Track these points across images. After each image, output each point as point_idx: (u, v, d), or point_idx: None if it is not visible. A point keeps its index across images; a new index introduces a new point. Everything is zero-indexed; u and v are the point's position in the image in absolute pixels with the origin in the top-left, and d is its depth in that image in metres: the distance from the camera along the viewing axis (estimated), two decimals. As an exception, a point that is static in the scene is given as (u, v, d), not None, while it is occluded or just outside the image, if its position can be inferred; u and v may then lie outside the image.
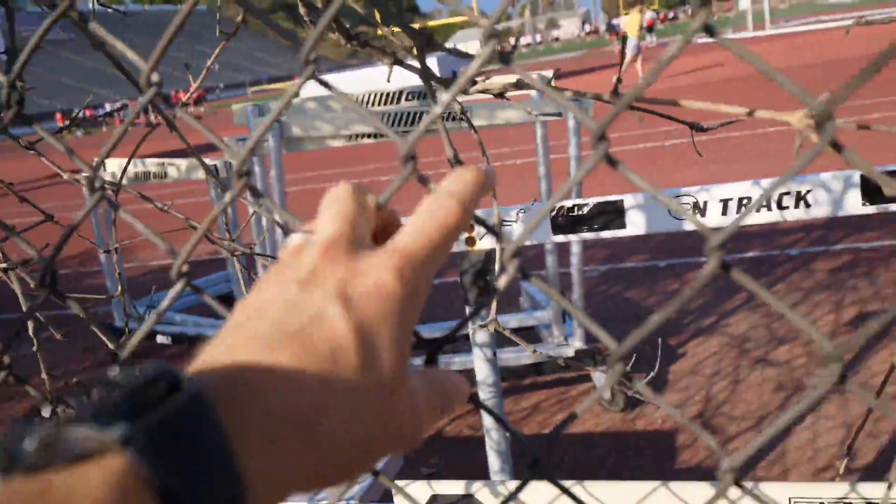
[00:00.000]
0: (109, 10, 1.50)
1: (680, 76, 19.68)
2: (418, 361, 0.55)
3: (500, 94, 1.18)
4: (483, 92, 1.16)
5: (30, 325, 1.04)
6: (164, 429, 0.30)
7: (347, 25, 1.00)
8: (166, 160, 4.23)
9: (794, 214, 1.79)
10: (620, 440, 3.22)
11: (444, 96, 0.61)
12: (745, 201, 1.84)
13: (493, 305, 1.58)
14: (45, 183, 13.90)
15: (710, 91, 15.17)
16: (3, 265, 1.09)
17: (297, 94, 0.52)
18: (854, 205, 1.74)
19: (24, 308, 1.04)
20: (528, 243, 2.01)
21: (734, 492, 0.81)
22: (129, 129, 0.61)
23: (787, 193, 1.79)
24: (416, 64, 1.03)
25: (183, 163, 4.11)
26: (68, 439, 0.28)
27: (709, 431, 3.14)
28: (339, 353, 0.37)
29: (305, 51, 0.49)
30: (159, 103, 0.59)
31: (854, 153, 0.42)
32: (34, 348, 1.13)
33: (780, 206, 1.76)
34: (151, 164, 4.43)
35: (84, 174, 0.72)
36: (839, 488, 0.85)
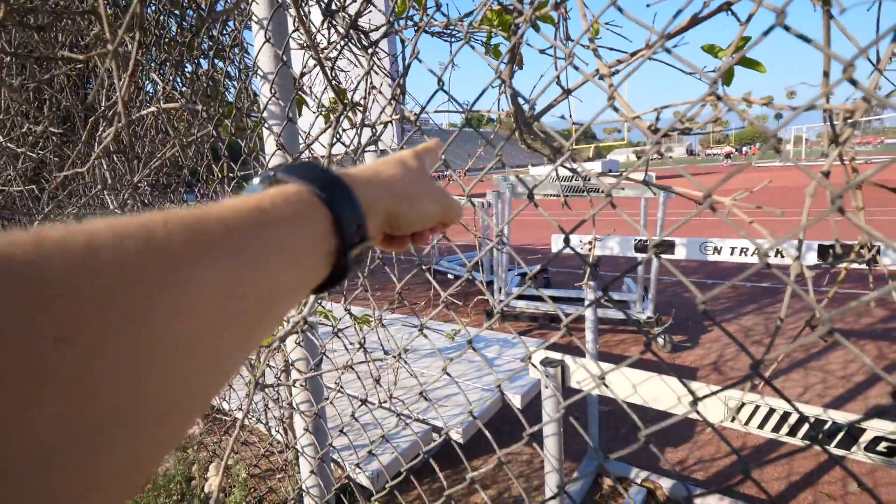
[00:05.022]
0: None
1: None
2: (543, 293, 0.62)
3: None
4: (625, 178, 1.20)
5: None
6: (325, 180, 0.29)
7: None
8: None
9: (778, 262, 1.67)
10: (663, 367, 3.07)
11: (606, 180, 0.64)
12: (743, 249, 1.74)
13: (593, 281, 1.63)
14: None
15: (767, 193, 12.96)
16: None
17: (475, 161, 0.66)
18: (812, 260, 1.61)
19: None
20: (623, 255, 2.01)
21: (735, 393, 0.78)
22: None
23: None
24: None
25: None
26: (277, 179, 0.30)
27: (716, 373, 2.90)
28: (406, 164, 0.39)
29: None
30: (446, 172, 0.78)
31: (853, 215, 0.38)
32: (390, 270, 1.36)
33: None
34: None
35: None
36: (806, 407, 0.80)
